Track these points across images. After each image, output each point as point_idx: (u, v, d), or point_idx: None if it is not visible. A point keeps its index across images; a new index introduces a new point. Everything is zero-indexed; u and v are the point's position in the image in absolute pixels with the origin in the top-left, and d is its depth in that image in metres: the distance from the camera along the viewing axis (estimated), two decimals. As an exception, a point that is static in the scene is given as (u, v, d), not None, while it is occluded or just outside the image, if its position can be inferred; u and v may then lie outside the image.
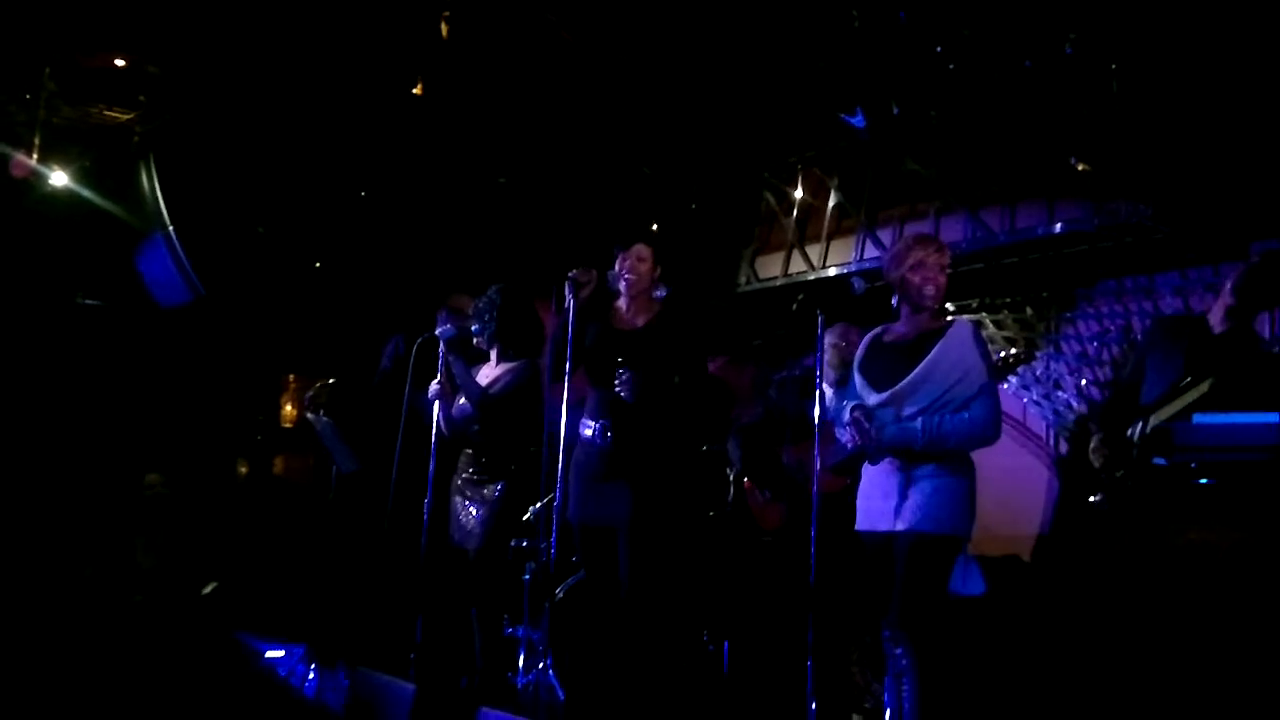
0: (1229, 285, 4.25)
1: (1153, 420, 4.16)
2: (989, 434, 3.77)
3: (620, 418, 4.38)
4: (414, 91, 7.12)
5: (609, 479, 4.37)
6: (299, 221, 8.00)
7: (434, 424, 5.19)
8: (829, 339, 5.60)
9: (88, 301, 7.92)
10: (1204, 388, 4.01)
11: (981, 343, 3.90)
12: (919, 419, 3.77)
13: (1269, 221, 5.32)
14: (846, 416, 3.95)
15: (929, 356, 3.82)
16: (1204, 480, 3.81)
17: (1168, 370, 4.27)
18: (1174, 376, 4.19)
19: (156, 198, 7.43)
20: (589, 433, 4.46)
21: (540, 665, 5.32)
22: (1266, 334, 4.94)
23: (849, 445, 4.00)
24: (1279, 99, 5.04)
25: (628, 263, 4.56)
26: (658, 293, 4.56)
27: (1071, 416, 6.23)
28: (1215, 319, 4.27)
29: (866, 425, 3.87)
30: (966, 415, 3.75)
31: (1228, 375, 3.96)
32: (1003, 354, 5.07)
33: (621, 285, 4.58)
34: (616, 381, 4.36)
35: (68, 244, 7.67)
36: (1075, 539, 4.46)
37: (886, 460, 3.86)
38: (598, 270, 4.55)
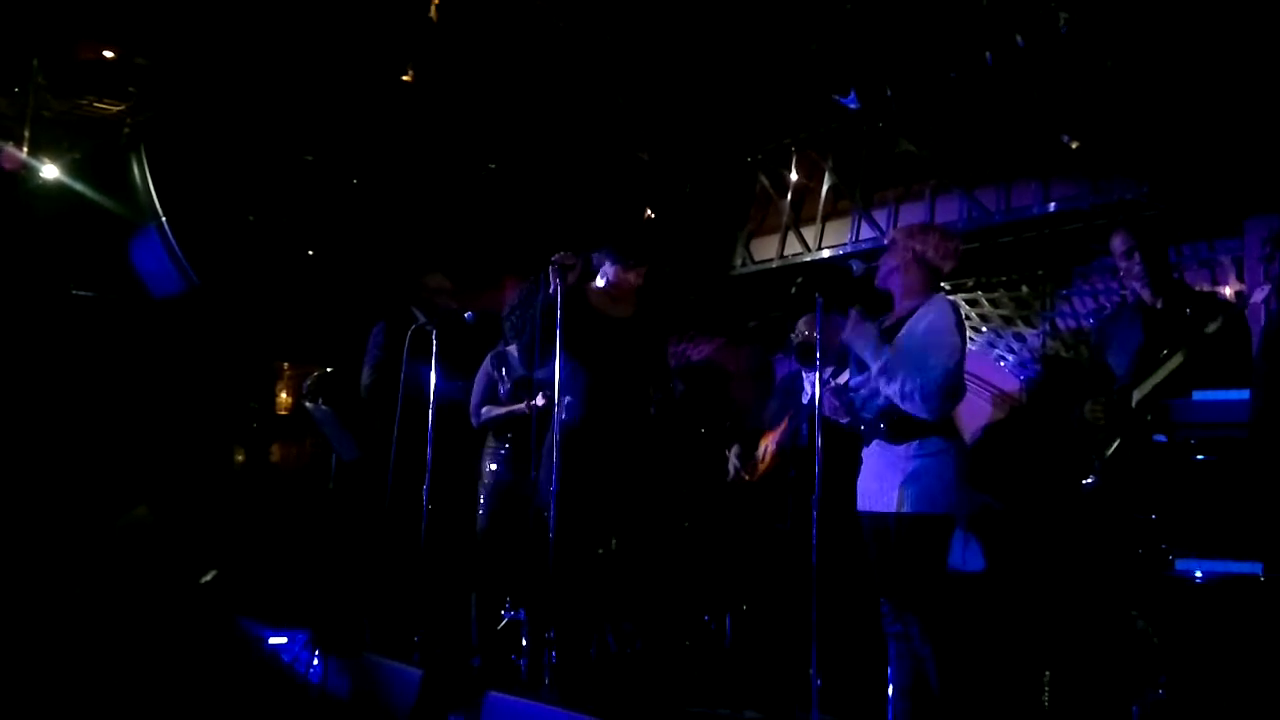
0: (1134, 269, 4.33)
1: (1135, 395, 4.21)
2: (920, 408, 3.71)
3: (596, 396, 4.44)
4: (404, 78, 7.10)
5: (586, 454, 4.42)
6: (290, 210, 7.99)
7: (429, 409, 5.21)
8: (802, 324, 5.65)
9: (81, 293, 7.91)
10: (1177, 360, 4.06)
11: (948, 320, 3.84)
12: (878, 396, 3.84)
13: (1262, 198, 5.36)
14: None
15: (898, 335, 3.87)
16: (1202, 457, 3.83)
17: (1131, 351, 4.33)
18: (1140, 356, 4.26)
19: (148, 189, 7.41)
20: (563, 411, 4.51)
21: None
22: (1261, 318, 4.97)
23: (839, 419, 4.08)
24: (1272, 76, 5.06)
25: (630, 275, 4.63)
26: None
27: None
28: (1146, 297, 4.36)
29: (844, 401, 3.97)
30: (897, 386, 3.75)
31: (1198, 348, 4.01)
32: None
33: (605, 283, 4.65)
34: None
35: (60, 237, 7.65)
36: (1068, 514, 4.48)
37: (875, 442, 3.92)
38: (583, 256, 4.59)
